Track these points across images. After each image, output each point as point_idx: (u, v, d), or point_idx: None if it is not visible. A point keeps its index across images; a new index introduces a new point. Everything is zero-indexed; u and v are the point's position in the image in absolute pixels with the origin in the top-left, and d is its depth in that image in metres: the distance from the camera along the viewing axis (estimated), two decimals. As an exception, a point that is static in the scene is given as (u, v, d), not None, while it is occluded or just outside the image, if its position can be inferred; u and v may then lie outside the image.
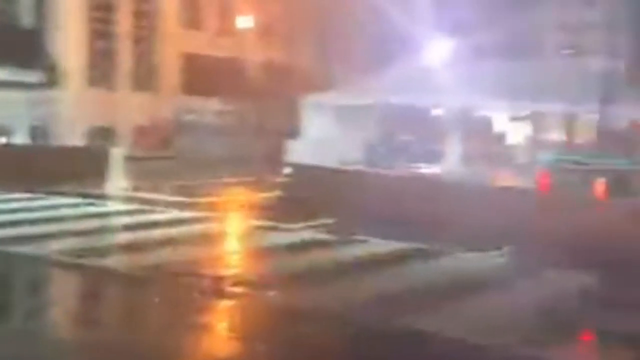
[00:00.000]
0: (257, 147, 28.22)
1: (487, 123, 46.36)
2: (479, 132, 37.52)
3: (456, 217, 12.93)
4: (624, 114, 26.44)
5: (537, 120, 37.62)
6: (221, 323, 7.67)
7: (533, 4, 53.15)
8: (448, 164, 26.82)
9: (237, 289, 8.71)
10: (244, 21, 33.12)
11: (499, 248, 11.77)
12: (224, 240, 12.60)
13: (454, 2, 39.04)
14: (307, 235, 12.57)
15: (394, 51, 32.93)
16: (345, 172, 18.22)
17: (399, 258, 10.93)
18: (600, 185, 16.50)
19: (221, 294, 8.50)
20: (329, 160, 20.70)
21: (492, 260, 11.35)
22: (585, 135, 37.06)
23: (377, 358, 6.68)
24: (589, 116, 29.29)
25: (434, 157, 28.90)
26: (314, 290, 8.72)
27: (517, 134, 47.72)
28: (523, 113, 37.01)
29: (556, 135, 40.90)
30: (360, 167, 23.03)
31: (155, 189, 19.17)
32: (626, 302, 9.23)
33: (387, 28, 34.58)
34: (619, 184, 16.71)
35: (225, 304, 8.39)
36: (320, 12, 36.43)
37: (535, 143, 34.66)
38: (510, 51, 35.70)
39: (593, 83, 23.19)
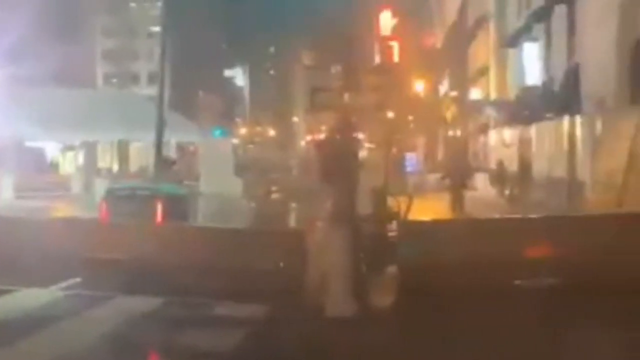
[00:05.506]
0: None
1: (39, 153, 45.20)
2: (31, 163, 36.40)
3: (15, 253, 12.48)
4: (173, 139, 27.78)
5: (90, 149, 37.64)
6: None
7: (80, 34, 53.19)
8: (0, 197, 25.59)
9: None
10: None
11: (64, 280, 11.61)
12: None
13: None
14: None
15: None
16: None
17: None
18: (156, 211, 17.07)
19: None
20: None
21: (57, 293, 11.14)
22: (140, 162, 38.11)
23: None
24: (142, 143, 30.12)
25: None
26: None
27: (70, 163, 47.27)
28: (76, 142, 36.79)
29: (111, 163, 41.43)
30: None
31: None
32: (191, 321, 9.75)
33: None
34: (174, 208, 17.44)
35: None
36: None
37: (90, 172, 34.63)
38: (60, 80, 35.24)
39: (143, 110, 23.93)
